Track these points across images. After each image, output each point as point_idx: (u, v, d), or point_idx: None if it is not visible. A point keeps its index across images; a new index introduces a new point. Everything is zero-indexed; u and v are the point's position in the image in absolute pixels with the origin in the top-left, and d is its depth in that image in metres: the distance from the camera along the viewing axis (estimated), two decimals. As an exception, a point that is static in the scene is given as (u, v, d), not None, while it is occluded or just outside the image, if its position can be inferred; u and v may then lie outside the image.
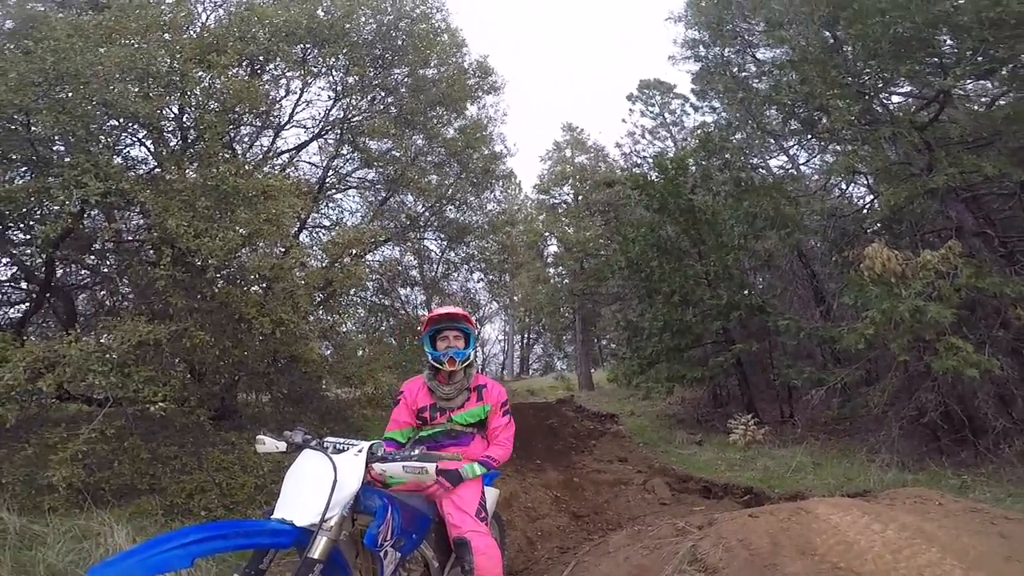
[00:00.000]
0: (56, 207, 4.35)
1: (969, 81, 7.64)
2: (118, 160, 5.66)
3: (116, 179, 4.55)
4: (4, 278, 6.16)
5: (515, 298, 23.78)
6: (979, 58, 6.59)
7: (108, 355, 4.15)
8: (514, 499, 5.29)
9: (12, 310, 6.34)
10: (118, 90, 4.57)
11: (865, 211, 9.36)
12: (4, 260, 5.67)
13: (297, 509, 1.80)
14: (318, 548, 1.74)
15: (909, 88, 8.73)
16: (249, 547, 1.72)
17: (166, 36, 5.38)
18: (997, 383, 5.84)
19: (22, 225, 5.11)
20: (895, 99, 8.97)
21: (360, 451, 2.02)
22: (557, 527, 4.80)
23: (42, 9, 6.13)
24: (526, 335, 32.61)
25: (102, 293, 6.47)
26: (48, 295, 5.74)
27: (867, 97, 7.87)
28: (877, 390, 6.47)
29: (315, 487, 1.85)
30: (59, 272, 6.09)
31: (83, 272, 6.61)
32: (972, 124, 7.00)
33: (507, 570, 3.60)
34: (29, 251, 5.37)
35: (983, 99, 8.20)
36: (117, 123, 5.40)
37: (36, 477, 3.85)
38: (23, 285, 6.23)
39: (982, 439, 5.79)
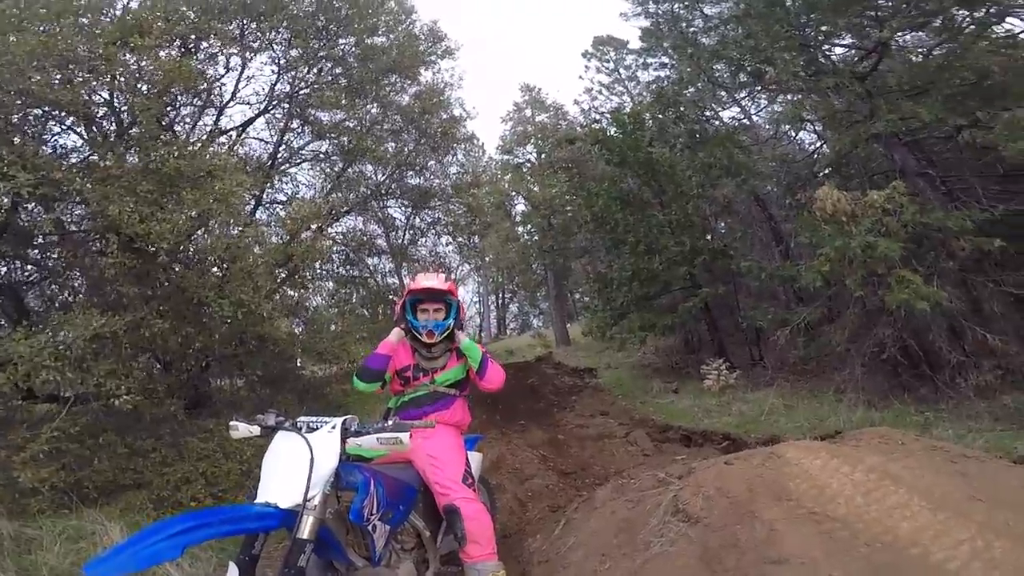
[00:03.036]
0: (-16, 202, 4.07)
1: (906, 33, 7.89)
2: (46, 150, 5.32)
3: (47, 169, 4.29)
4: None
5: (487, 259, 23.71)
6: (912, 11, 6.81)
7: (64, 351, 4.01)
8: (501, 462, 5.34)
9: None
10: (36, 78, 4.28)
11: (815, 156, 9.63)
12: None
13: (279, 491, 1.80)
14: (306, 528, 1.77)
15: (850, 40, 8.91)
16: (236, 533, 1.72)
17: (84, 20, 5.07)
18: (947, 315, 6.09)
19: (-50, 224, 4.76)
20: (837, 51, 9.18)
21: (334, 427, 2.00)
22: (546, 486, 4.85)
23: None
24: (500, 295, 32.69)
25: (51, 288, 6.18)
26: (-7, 294, 5.43)
27: (811, 49, 8.05)
28: (838, 327, 6.75)
29: (293, 468, 1.84)
30: (3, 270, 5.78)
31: (28, 268, 6.26)
32: (909, 73, 7.25)
33: (500, 533, 3.68)
34: (-37, 250, 5.06)
35: (920, 50, 8.46)
36: (40, 112, 5.08)
37: (16, 481, 3.79)
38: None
39: (939, 374, 6.05)
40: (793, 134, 10.98)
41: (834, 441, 3.22)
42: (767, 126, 12.29)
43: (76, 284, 6.02)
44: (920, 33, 8.06)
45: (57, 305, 5.89)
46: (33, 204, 5.20)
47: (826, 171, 8.46)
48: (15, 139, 4.43)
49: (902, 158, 7.27)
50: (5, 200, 4.29)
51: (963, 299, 6.16)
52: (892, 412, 5.85)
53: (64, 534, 3.48)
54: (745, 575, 1.95)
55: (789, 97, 9.69)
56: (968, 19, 6.75)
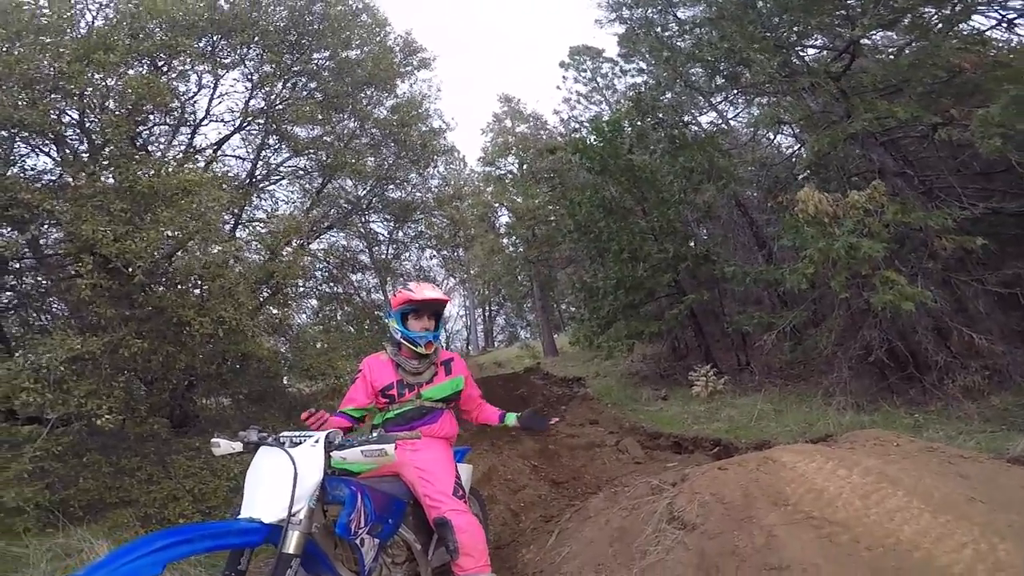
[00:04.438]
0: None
1: (877, 32, 7.97)
2: (14, 171, 5.26)
3: (14, 190, 4.25)
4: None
5: (472, 272, 23.69)
6: (881, 10, 6.85)
7: (43, 373, 4.01)
8: (493, 473, 5.28)
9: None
10: (-1, 99, 4.21)
11: (793, 159, 9.72)
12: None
13: (262, 506, 1.79)
14: (292, 543, 1.75)
15: (822, 41, 9.03)
16: (218, 548, 1.70)
17: (45, 39, 4.98)
18: (933, 316, 6.07)
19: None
20: (811, 52, 9.27)
21: (317, 441, 1.97)
22: (539, 496, 4.83)
23: None
24: (487, 308, 32.62)
25: (29, 313, 6.12)
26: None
27: (784, 51, 8.05)
28: (824, 330, 6.73)
29: (277, 483, 1.83)
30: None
31: (6, 294, 6.16)
32: (882, 72, 7.28)
33: (493, 544, 3.62)
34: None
35: (891, 49, 8.57)
36: (6, 133, 5.01)
37: (0, 500, 3.81)
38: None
39: (927, 375, 5.98)
40: (771, 137, 11.09)
41: (827, 444, 3.19)
42: (745, 130, 12.43)
43: (55, 309, 5.99)
44: (891, 33, 8.19)
45: (36, 329, 5.83)
46: (8, 228, 5.12)
47: (805, 173, 8.54)
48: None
49: (880, 158, 7.32)
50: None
51: (948, 299, 6.15)
52: (881, 415, 5.77)
53: (51, 552, 3.48)
54: (745, 583, 1.90)
55: (765, 100, 9.81)
56: (936, 17, 6.83)
